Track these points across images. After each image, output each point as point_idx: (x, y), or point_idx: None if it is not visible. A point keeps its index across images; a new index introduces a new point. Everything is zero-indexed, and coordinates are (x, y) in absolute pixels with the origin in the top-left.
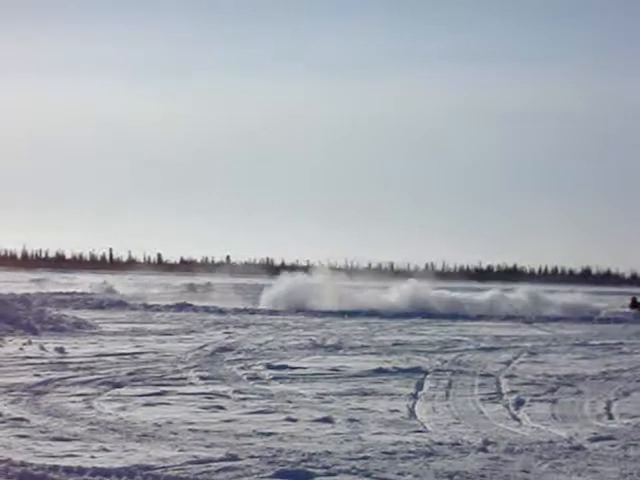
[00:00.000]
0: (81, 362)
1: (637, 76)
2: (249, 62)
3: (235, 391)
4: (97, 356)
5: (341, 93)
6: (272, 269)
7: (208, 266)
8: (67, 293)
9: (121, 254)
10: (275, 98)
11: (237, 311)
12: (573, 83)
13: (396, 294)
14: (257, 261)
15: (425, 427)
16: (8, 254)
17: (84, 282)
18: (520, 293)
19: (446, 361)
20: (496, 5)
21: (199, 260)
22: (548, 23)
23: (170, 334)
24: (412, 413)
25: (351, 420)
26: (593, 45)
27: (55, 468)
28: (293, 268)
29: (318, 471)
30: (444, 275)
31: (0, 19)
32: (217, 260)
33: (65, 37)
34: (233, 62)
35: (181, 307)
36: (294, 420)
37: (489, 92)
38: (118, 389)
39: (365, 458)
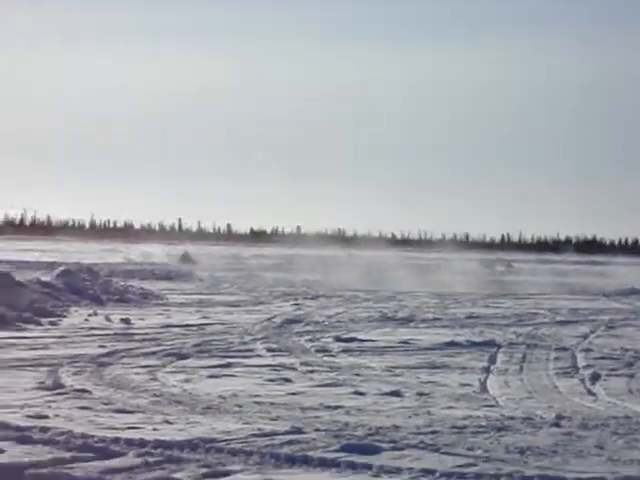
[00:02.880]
0: (146, 333)
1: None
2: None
3: (302, 363)
4: (163, 327)
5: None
6: (344, 240)
7: (279, 236)
8: (135, 263)
9: (190, 224)
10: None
11: (306, 282)
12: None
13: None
14: (329, 232)
15: (497, 402)
16: (76, 224)
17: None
18: None
19: (521, 334)
20: None
21: (269, 231)
22: None
23: (238, 305)
24: (484, 387)
25: (420, 394)
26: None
27: (116, 440)
28: (365, 239)
29: (385, 445)
30: (521, 247)
31: None
32: (287, 231)
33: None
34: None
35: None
36: (362, 393)
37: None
38: (183, 361)
39: (434, 432)
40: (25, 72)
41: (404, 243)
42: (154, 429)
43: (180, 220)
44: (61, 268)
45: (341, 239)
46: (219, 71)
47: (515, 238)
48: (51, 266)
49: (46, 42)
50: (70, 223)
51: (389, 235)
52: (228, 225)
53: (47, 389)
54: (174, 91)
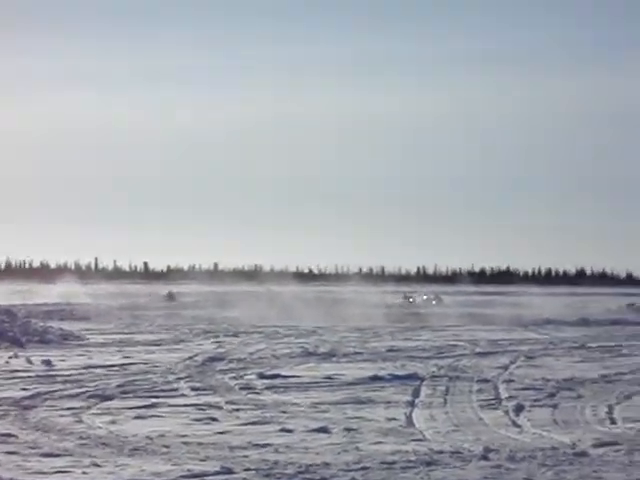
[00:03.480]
0: (69, 375)
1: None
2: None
3: (228, 402)
4: (85, 368)
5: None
6: (261, 276)
7: (195, 274)
8: (53, 304)
9: (106, 263)
10: (257, 101)
11: (226, 319)
12: (565, 84)
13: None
14: (245, 268)
15: (424, 435)
16: None
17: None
18: None
19: (442, 367)
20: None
21: (186, 268)
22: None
23: (159, 344)
24: (410, 421)
25: (348, 430)
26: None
27: None
28: (282, 275)
29: None
30: (436, 279)
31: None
32: (205, 268)
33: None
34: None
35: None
36: (289, 431)
37: (475, 97)
38: (108, 402)
39: (364, 469)
40: None
41: (321, 278)
42: (83, 472)
43: (96, 259)
44: None
45: (258, 275)
46: (116, 109)
47: (430, 271)
48: None
49: None
50: None
51: (306, 270)
52: (145, 263)
53: None
54: (77, 130)
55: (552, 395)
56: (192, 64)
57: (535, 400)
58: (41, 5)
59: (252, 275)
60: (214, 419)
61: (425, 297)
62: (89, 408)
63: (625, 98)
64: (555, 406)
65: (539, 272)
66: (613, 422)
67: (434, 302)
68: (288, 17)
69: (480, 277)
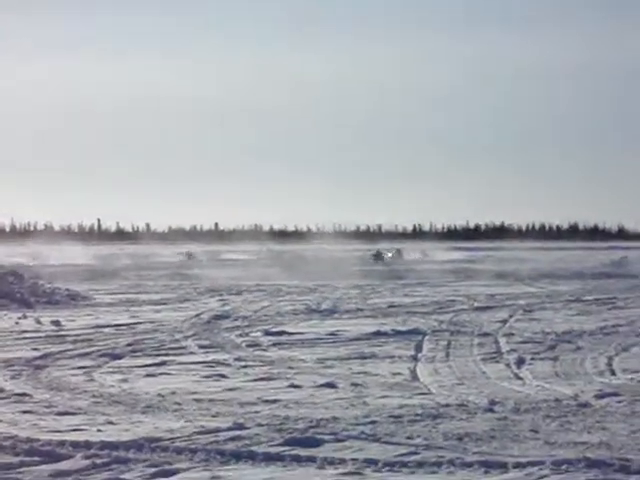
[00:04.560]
0: (78, 334)
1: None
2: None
3: (235, 359)
4: (94, 328)
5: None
6: (261, 235)
7: (197, 234)
8: (59, 265)
9: (109, 225)
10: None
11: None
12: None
13: None
14: (245, 227)
15: (429, 389)
16: None
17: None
18: None
19: (442, 322)
20: None
21: (187, 228)
22: None
23: (165, 303)
24: (414, 375)
25: (354, 384)
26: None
27: (62, 443)
28: (282, 234)
29: (327, 437)
30: (431, 235)
31: None
32: (206, 228)
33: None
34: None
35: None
36: (297, 386)
37: (479, 53)
38: (118, 360)
39: (372, 423)
40: None
41: (318, 236)
42: (98, 430)
43: (99, 221)
44: None
45: (258, 234)
46: (137, 73)
47: (426, 227)
48: None
49: None
50: None
51: (304, 229)
52: (147, 224)
53: None
54: (79, 94)
55: (552, 348)
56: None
57: (535, 353)
58: None
59: (252, 234)
60: (223, 376)
61: (390, 254)
62: (100, 367)
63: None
64: (555, 358)
65: (533, 227)
66: (613, 373)
67: (390, 255)
68: None
69: (475, 233)
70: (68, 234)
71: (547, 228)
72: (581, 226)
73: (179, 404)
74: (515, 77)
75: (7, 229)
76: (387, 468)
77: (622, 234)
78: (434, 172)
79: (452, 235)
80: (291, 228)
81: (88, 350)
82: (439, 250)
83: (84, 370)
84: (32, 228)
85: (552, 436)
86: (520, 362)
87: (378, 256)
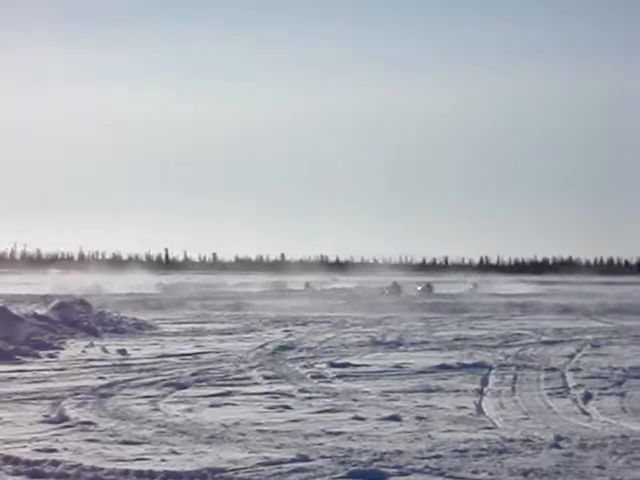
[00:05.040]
0: (144, 363)
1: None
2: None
3: (300, 390)
4: (159, 357)
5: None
6: (327, 266)
7: (262, 264)
8: (126, 294)
9: (176, 254)
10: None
11: (294, 309)
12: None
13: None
14: (312, 258)
15: (494, 423)
16: (65, 256)
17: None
18: None
19: (509, 355)
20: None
21: (254, 258)
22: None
23: (230, 333)
24: (480, 409)
25: (419, 418)
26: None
27: (126, 472)
28: (347, 265)
29: (391, 471)
30: (499, 268)
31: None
32: (272, 258)
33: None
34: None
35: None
36: (362, 419)
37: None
38: (183, 390)
39: (437, 457)
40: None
41: (387, 267)
42: (162, 460)
43: (167, 250)
44: (56, 301)
45: (324, 265)
46: (185, 104)
47: (493, 260)
48: (44, 299)
49: None
50: (60, 255)
51: (371, 260)
52: (214, 254)
53: (52, 422)
54: (143, 125)
55: (619, 383)
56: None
57: (603, 388)
58: None
59: (319, 265)
60: (287, 407)
61: (419, 288)
62: (165, 396)
63: None
64: (623, 394)
65: (601, 261)
66: None
67: (419, 289)
68: None
69: (542, 266)
70: (136, 263)
71: (615, 262)
72: None
73: (243, 435)
74: (589, 109)
75: (76, 258)
76: None
77: None
78: (503, 205)
79: (519, 268)
80: (357, 260)
81: (153, 379)
82: (504, 283)
83: (149, 399)
84: (100, 257)
85: (619, 473)
86: (587, 397)
87: (393, 289)
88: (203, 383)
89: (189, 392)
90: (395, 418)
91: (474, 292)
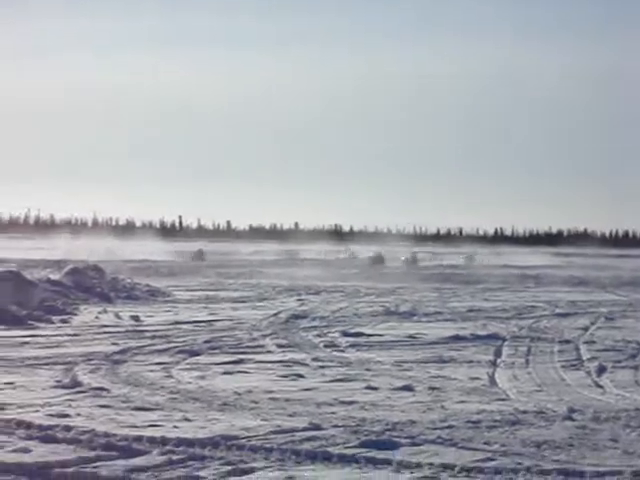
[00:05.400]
0: (157, 330)
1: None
2: None
3: (313, 359)
4: (172, 324)
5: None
6: (340, 235)
7: (276, 233)
8: (139, 261)
9: (190, 222)
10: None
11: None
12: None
13: None
14: (325, 228)
15: (507, 395)
16: (79, 222)
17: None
18: None
19: (523, 327)
20: None
21: (267, 227)
22: None
23: (243, 301)
24: (493, 381)
25: (432, 388)
26: None
27: (139, 438)
28: (361, 234)
29: (403, 441)
30: (513, 240)
31: None
32: (285, 227)
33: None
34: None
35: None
36: (374, 388)
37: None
38: (196, 357)
39: (450, 427)
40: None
41: (401, 237)
42: (175, 427)
43: (181, 218)
44: (69, 266)
45: (337, 234)
46: (208, 78)
47: (508, 232)
48: (58, 264)
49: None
50: (73, 221)
51: (383, 230)
52: (228, 222)
53: (65, 387)
54: (165, 95)
55: (634, 356)
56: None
57: (617, 361)
58: None
59: (332, 234)
60: (300, 376)
61: (403, 258)
62: (178, 363)
63: None
64: (637, 367)
65: (616, 234)
66: None
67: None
68: None
69: (557, 238)
70: (150, 230)
71: (630, 235)
72: None
73: (255, 402)
74: (600, 81)
75: (89, 224)
76: (464, 474)
77: None
78: (518, 177)
79: (534, 240)
80: (371, 229)
81: (166, 346)
82: (519, 255)
83: (162, 366)
84: (114, 223)
85: (632, 446)
86: (601, 370)
87: (376, 260)
88: (216, 350)
89: (202, 359)
90: (408, 388)
91: (469, 264)
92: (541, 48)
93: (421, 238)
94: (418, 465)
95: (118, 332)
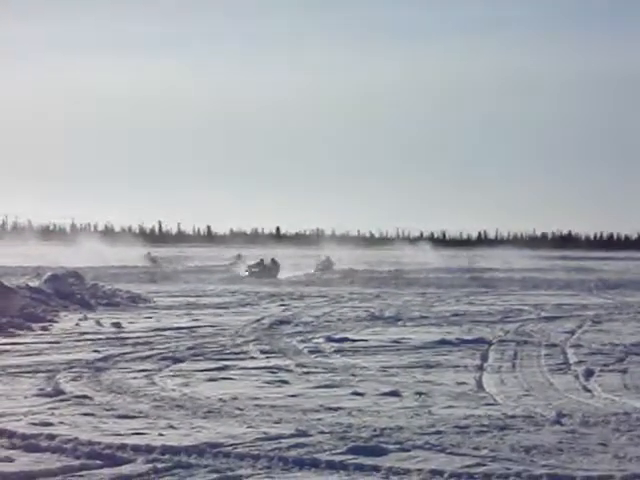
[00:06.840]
0: (139, 337)
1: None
2: None
3: (297, 365)
4: (154, 330)
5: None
6: (324, 239)
7: (258, 237)
8: (119, 267)
9: (170, 227)
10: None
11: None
12: None
13: None
14: (307, 232)
15: (495, 400)
16: (57, 229)
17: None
18: None
19: (509, 331)
20: None
21: (248, 232)
22: None
23: (226, 307)
24: (480, 385)
25: (419, 393)
26: None
27: (123, 447)
28: (342, 238)
29: (391, 447)
30: (497, 243)
31: None
32: (267, 231)
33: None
34: None
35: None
36: (361, 394)
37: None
38: (179, 364)
39: (438, 433)
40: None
41: (382, 242)
42: (159, 434)
43: (160, 223)
44: (48, 273)
45: (319, 239)
46: (176, 76)
47: (492, 235)
48: (36, 271)
49: None
50: (51, 227)
51: (367, 234)
52: (208, 227)
53: (48, 395)
54: (147, 98)
55: (621, 360)
56: None
57: (604, 365)
58: None
59: (313, 239)
60: (285, 382)
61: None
62: (161, 370)
63: None
64: (624, 371)
65: (600, 236)
66: None
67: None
68: None
69: (541, 241)
70: (129, 235)
71: (615, 237)
72: None
73: (241, 409)
74: (584, 86)
75: (68, 230)
76: (453, 479)
77: None
78: (502, 179)
79: (518, 242)
80: (353, 233)
81: (149, 353)
82: (503, 258)
83: (145, 373)
84: (92, 229)
85: (621, 450)
86: (588, 374)
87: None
88: (199, 357)
89: (185, 366)
90: (395, 394)
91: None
92: (541, 49)
93: (403, 241)
94: (407, 471)
95: (99, 339)
